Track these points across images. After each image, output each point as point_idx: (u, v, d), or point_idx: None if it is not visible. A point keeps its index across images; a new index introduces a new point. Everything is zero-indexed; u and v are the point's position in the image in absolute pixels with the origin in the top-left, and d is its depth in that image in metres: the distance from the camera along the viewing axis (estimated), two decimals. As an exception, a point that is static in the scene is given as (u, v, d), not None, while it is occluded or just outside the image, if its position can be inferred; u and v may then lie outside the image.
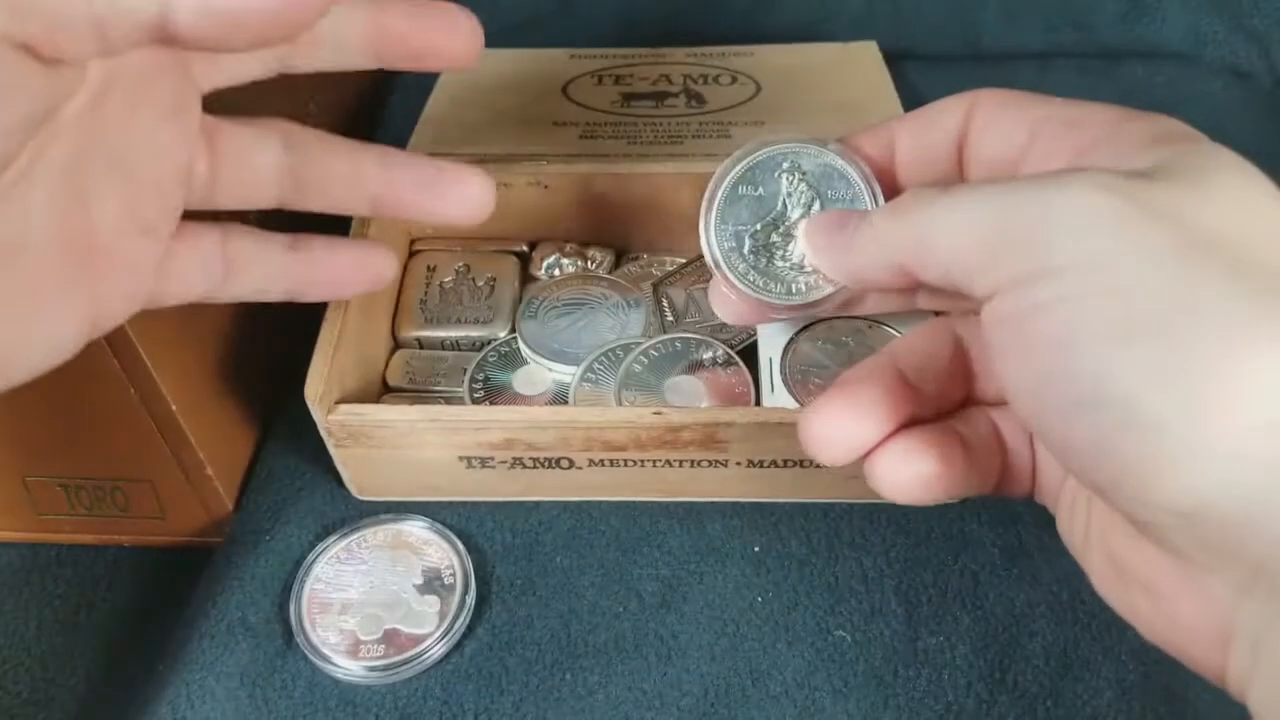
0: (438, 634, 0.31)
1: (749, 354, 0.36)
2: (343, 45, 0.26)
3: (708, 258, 0.29)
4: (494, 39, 0.56)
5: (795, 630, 0.31)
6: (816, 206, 0.29)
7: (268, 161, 0.27)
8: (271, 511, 0.35)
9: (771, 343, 0.35)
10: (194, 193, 0.26)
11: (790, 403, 0.34)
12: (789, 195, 0.29)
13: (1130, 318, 0.18)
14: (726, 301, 0.31)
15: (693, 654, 0.31)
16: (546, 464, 0.33)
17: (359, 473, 0.34)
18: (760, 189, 0.29)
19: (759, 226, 0.29)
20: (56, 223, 0.21)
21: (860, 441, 0.24)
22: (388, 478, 0.34)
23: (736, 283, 0.29)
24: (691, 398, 0.35)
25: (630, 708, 0.30)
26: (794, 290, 0.28)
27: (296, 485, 0.35)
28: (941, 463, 0.24)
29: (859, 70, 0.46)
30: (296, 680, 0.31)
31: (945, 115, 0.27)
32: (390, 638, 0.31)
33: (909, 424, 0.24)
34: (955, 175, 0.28)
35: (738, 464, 0.33)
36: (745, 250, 0.29)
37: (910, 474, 0.24)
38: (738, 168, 0.30)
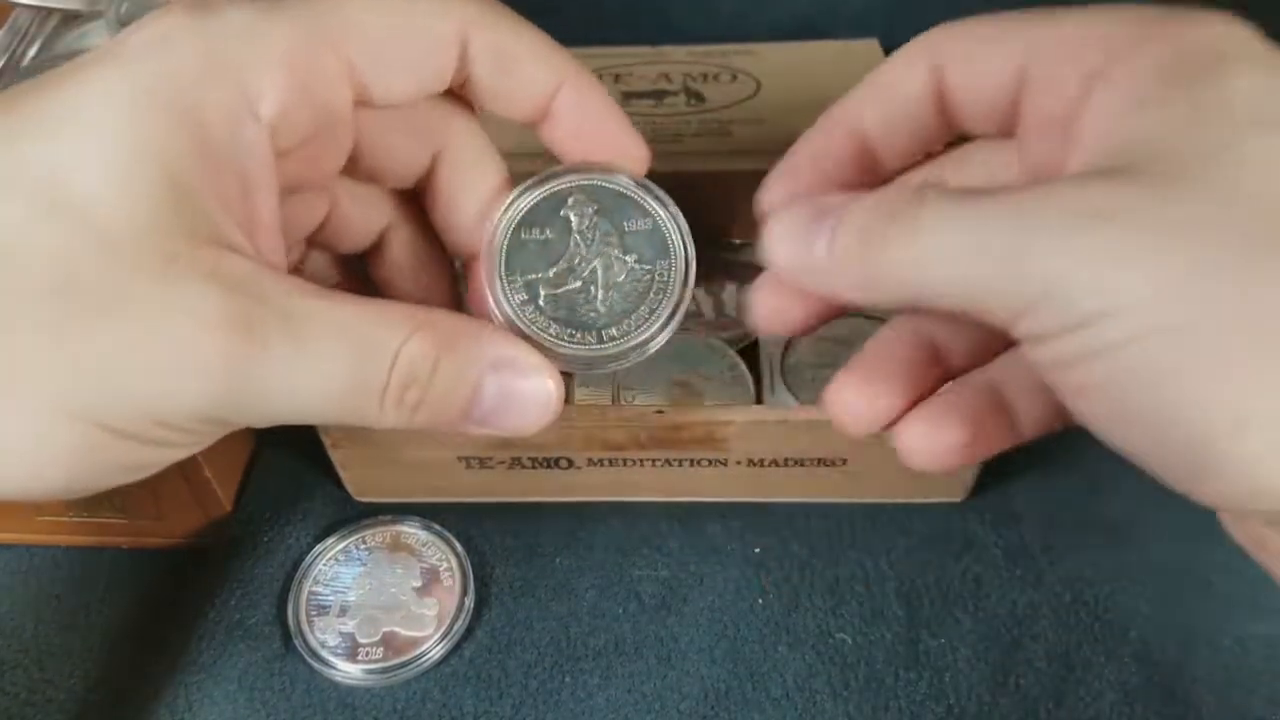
0: (436, 636, 0.31)
1: (750, 353, 0.36)
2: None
3: (496, 318, 0.25)
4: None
5: (796, 632, 0.31)
6: (614, 241, 0.26)
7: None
8: (270, 513, 0.35)
9: (773, 341, 0.35)
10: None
11: (791, 401, 0.34)
12: (580, 233, 0.26)
13: (1216, 347, 0.17)
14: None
15: (692, 656, 0.31)
16: (546, 464, 0.33)
17: (358, 474, 0.34)
18: (548, 231, 0.25)
19: (552, 274, 0.25)
20: None
21: (885, 411, 0.23)
22: (386, 479, 0.34)
23: (537, 339, 0.25)
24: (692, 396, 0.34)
25: (630, 710, 0.30)
26: (605, 339, 0.25)
27: (295, 487, 0.35)
28: (967, 429, 0.23)
29: (860, 69, 0.46)
30: (295, 683, 0.30)
31: (906, 80, 0.25)
32: (389, 640, 0.31)
33: (936, 386, 0.24)
34: (945, 139, 0.25)
35: (738, 463, 0.32)
36: (541, 301, 0.25)
37: (938, 444, 0.23)
38: (517, 206, 0.26)
